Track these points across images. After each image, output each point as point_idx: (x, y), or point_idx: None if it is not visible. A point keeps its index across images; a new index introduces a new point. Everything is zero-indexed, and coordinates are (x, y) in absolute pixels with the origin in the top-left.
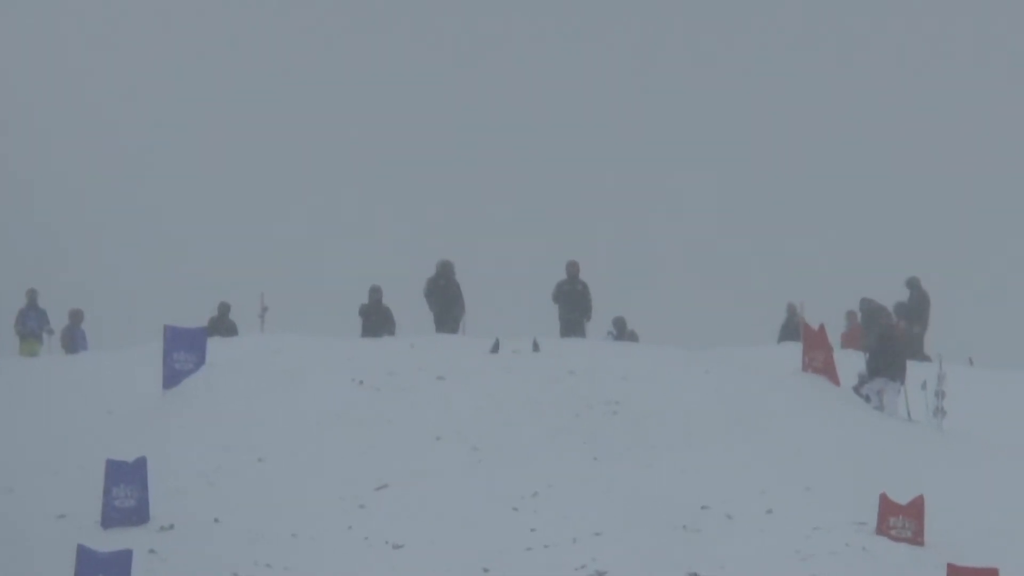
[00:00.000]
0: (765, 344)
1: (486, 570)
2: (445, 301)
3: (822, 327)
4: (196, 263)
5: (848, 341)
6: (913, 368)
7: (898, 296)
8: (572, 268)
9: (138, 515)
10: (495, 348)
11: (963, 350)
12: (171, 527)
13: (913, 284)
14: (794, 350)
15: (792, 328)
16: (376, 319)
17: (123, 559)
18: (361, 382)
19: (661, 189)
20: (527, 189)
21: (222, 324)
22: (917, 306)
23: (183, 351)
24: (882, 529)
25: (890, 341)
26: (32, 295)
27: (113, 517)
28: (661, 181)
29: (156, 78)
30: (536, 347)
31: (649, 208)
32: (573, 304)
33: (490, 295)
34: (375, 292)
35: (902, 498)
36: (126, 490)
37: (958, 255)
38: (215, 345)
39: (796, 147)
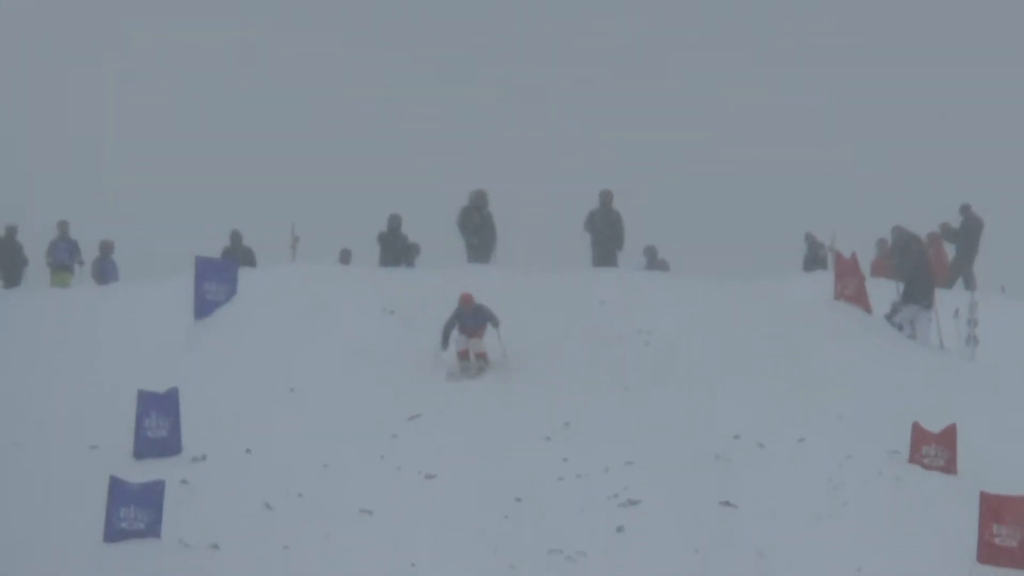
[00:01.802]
0: (795, 273)
1: (518, 499)
2: (478, 231)
3: (854, 255)
4: (227, 194)
5: (878, 270)
6: (946, 296)
7: (929, 226)
8: (605, 196)
9: (170, 446)
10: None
11: (996, 278)
12: (203, 458)
13: (966, 211)
14: (824, 279)
15: (812, 260)
16: (394, 247)
17: (155, 490)
18: (392, 312)
19: (693, 117)
20: (560, 117)
21: (236, 252)
22: (970, 231)
23: (214, 282)
24: (915, 458)
25: (922, 269)
26: (63, 226)
27: (145, 448)
28: (693, 109)
29: (189, 12)
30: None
31: (681, 135)
32: (605, 233)
33: (522, 225)
34: (394, 220)
35: (935, 427)
36: (158, 421)
37: (989, 180)
38: (246, 276)
39: (830, 75)
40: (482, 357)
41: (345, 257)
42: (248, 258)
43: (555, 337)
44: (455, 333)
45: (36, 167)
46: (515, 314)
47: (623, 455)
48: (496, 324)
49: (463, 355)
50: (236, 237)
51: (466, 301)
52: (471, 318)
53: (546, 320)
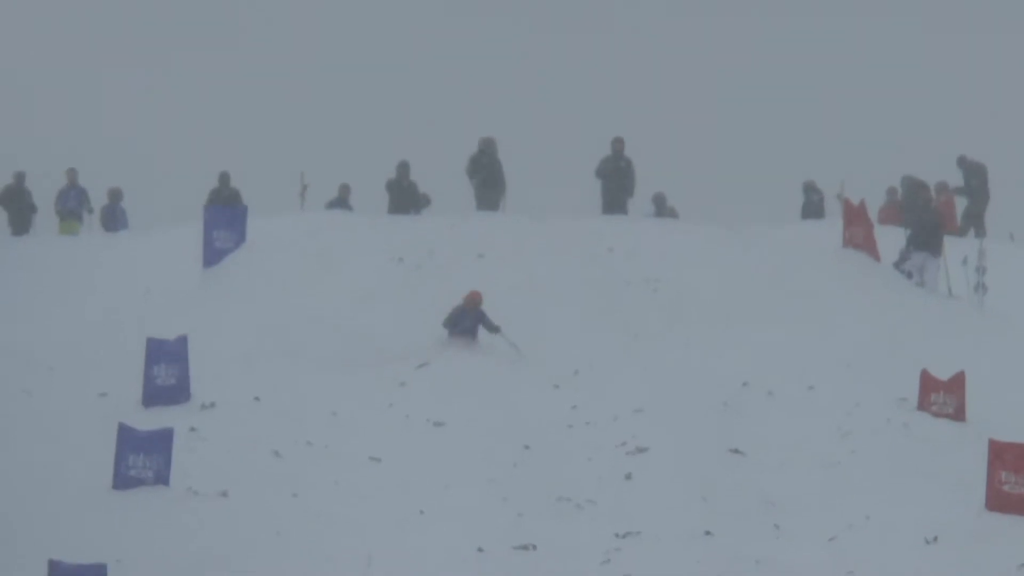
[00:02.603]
0: (805, 221)
1: (527, 447)
2: (486, 178)
3: (863, 202)
4: (236, 142)
5: (886, 217)
6: (956, 244)
7: (942, 172)
8: (617, 144)
9: (179, 394)
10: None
11: (1005, 226)
12: (212, 405)
13: (963, 162)
14: (833, 227)
15: (811, 207)
16: (403, 195)
17: (164, 437)
18: (401, 260)
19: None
20: (570, 64)
21: (223, 194)
22: (974, 181)
23: (223, 229)
24: (923, 405)
25: (931, 217)
26: (72, 174)
27: (154, 395)
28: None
29: None
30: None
31: (691, 82)
32: (616, 180)
33: (531, 172)
34: (402, 167)
35: (943, 374)
36: (167, 368)
37: (998, 127)
38: (255, 224)
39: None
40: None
41: (344, 193)
42: (235, 200)
43: (564, 284)
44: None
45: (44, 114)
46: (523, 262)
47: (632, 403)
48: (495, 330)
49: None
50: (224, 178)
51: (473, 300)
52: (469, 319)
53: (554, 267)
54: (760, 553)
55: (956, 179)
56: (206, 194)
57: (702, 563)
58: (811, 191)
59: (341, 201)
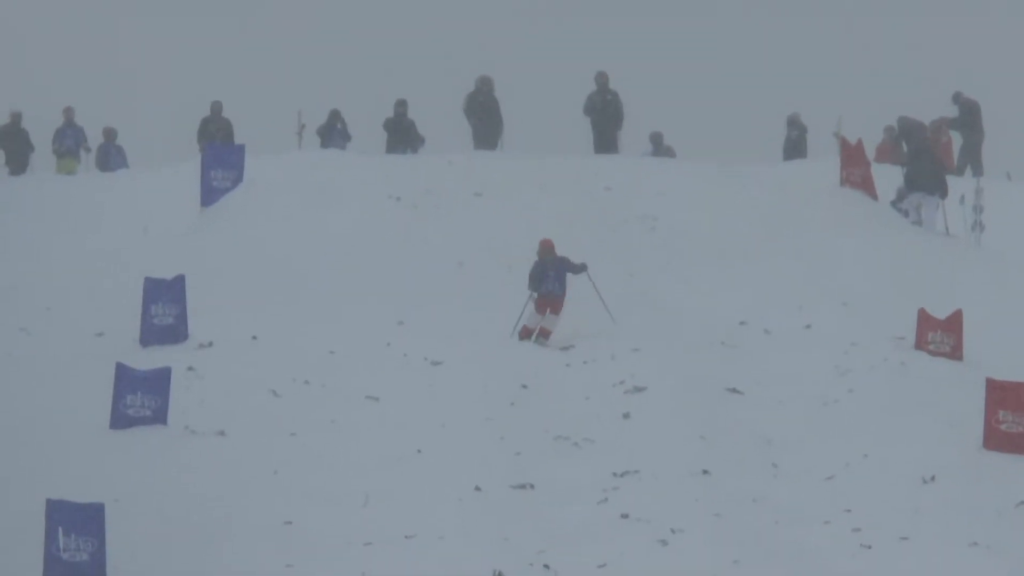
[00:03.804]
0: (801, 159)
1: (525, 386)
2: (484, 117)
3: (859, 141)
4: (234, 81)
5: (883, 155)
6: (952, 182)
7: (940, 111)
8: (601, 79)
9: (177, 333)
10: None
11: (1002, 165)
12: (210, 344)
13: (959, 98)
14: (832, 166)
15: (791, 143)
16: (401, 133)
17: (162, 376)
18: (399, 199)
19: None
20: (566, 1)
21: (215, 123)
22: (968, 118)
23: (221, 168)
24: (920, 344)
25: (928, 156)
26: (68, 113)
27: (152, 335)
28: None
29: None
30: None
31: (688, 19)
32: (604, 114)
33: (528, 111)
34: (400, 106)
35: (940, 313)
36: (164, 308)
37: (995, 66)
38: (253, 163)
39: None
40: (545, 335)
41: (334, 119)
42: (226, 130)
43: (561, 223)
44: (530, 307)
45: (40, 53)
46: (521, 200)
47: (629, 342)
48: (583, 269)
49: (525, 333)
50: (216, 107)
51: (547, 249)
52: (552, 270)
53: (552, 206)
54: (758, 491)
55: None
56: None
57: (700, 501)
58: (793, 125)
59: (330, 127)
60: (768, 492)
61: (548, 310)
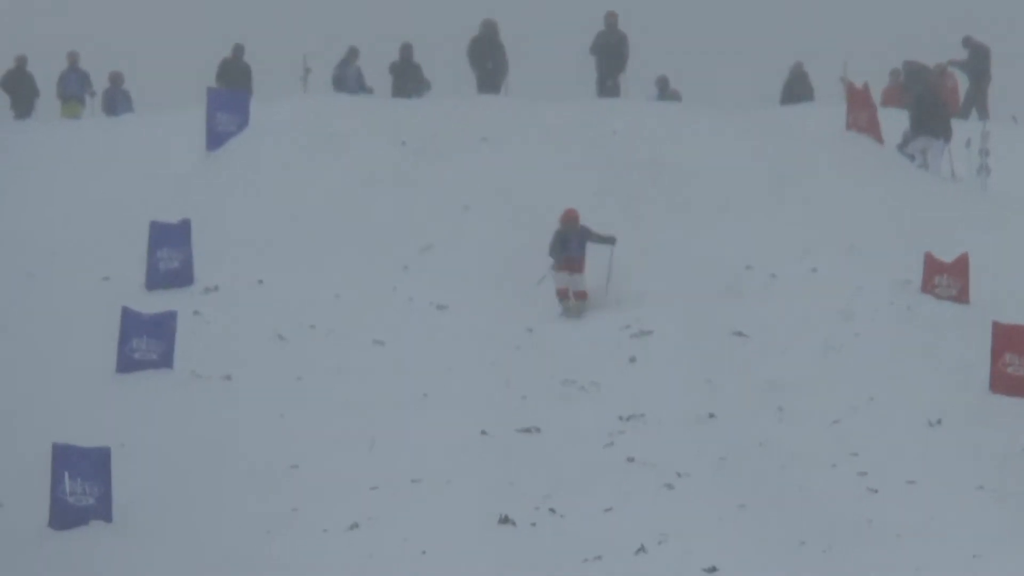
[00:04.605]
0: (807, 103)
1: (530, 330)
2: (488, 61)
3: (866, 85)
4: (239, 24)
5: (889, 99)
6: (958, 126)
7: (947, 54)
8: (610, 18)
9: (182, 277)
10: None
11: (1008, 108)
12: (215, 289)
13: (969, 42)
14: (838, 110)
15: (790, 92)
16: (406, 77)
17: (168, 320)
18: (404, 143)
19: None
20: None
21: (235, 66)
22: (977, 62)
23: (226, 113)
24: (927, 287)
25: (933, 99)
26: (73, 57)
27: (157, 279)
28: None
29: None
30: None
31: None
32: (610, 56)
33: (533, 55)
34: (406, 49)
35: (947, 256)
36: (170, 252)
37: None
38: (258, 107)
39: None
40: (582, 297)
41: (352, 56)
42: (245, 74)
43: (567, 168)
44: (554, 271)
45: None
46: (527, 145)
47: (635, 286)
48: (610, 241)
49: (562, 293)
50: (238, 50)
51: (570, 219)
52: (574, 239)
53: (558, 151)
54: (763, 435)
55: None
56: (211, 78)
57: (705, 446)
58: (798, 73)
59: (347, 63)
60: (774, 436)
61: (567, 272)
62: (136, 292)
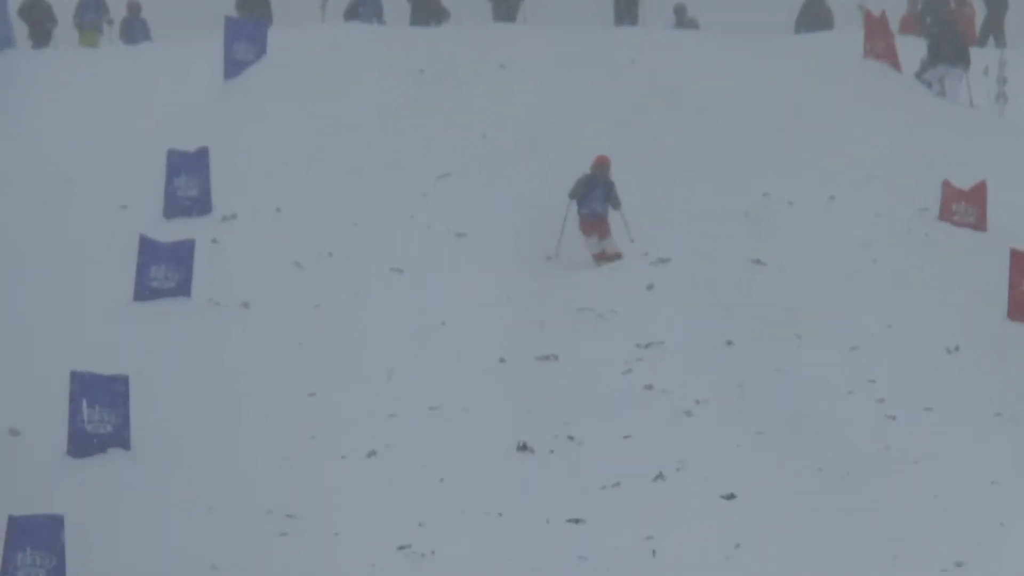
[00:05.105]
0: (824, 31)
1: (549, 258)
2: None
3: (883, 13)
4: None
5: (907, 27)
6: (976, 54)
7: None
8: None
9: (200, 205)
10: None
11: None
12: (233, 217)
13: None
14: (855, 38)
15: (805, 18)
16: (425, 6)
17: (185, 249)
18: (422, 71)
19: None
20: None
21: None
22: None
23: (244, 42)
24: (944, 215)
25: (951, 27)
26: None
27: (175, 207)
28: None
29: None
30: None
31: None
32: None
33: None
34: None
35: (964, 184)
36: (188, 180)
37: None
38: (276, 36)
39: None
40: (617, 257)
41: None
42: (263, 3)
43: (586, 97)
44: (584, 238)
45: None
46: (545, 73)
47: (653, 212)
48: (617, 206)
49: (597, 257)
50: None
51: (602, 165)
52: (600, 189)
53: (576, 80)
54: (781, 362)
55: None
56: (228, 7)
57: (723, 373)
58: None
59: None
60: (792, 363)
61: (597, 235)
62: (154, 220)
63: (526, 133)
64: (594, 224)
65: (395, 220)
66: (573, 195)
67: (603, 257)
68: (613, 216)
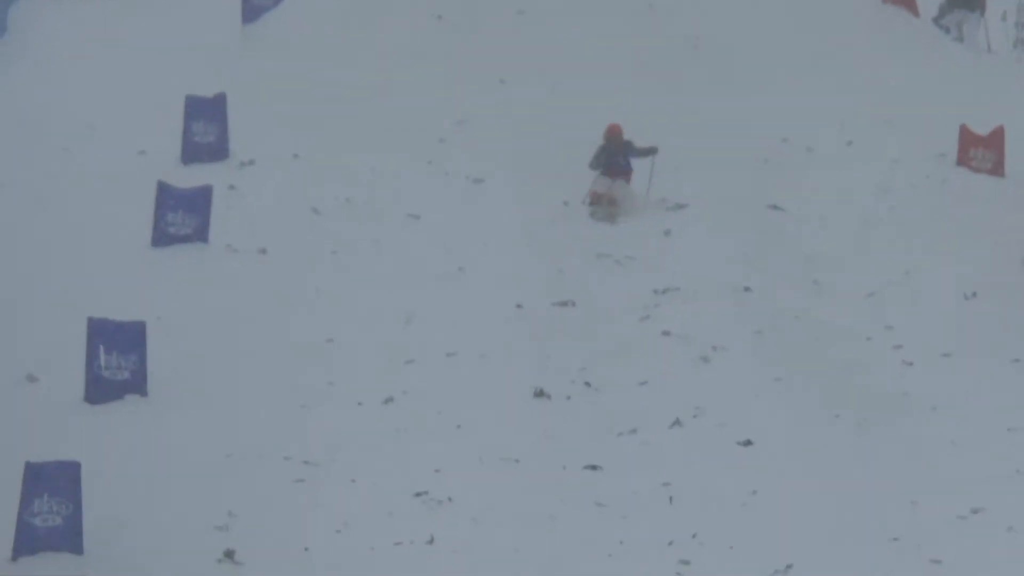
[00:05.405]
0: None
1: (566, 203)
2: None
3: None
4: None
5: None
6: None
7: None
8: None
9: (218, 151)
10: None
11: None
12: (251, 163)
13: None
14: None
15: None
16: None
17: (203, 194)
18: (440, 17)
19: None
20: None
21: None
22: None
23: None
24: (962, 160)
25: None
26: None
27: (193, 153)
28: None
29: None
30: None
31: None
32: None
33: None
34: None
35: (982, 129)
36: (206, 126)
37: None
38: None
39: None
40: (612, 204)
41: None
42: None
43: (603, 43)
44: (595, 174)
45: None
46: (564, 18)
47: (672, 159)
48: (651, 152)
49: (595, 197)
50: None
51: (614, 134)
52: (619, 155)
53: (594, 24)
54: (799, 308)
55: None
56: None
57: (741, 318)
58: None
59: None
60: (809, 309)
61: (612, 177)
62: (171, 166)
63: (544, 79)
64: (614, 173)
65: (413, 166)
66: (594, 166)
67: (598, 198)
68: (638, 165)
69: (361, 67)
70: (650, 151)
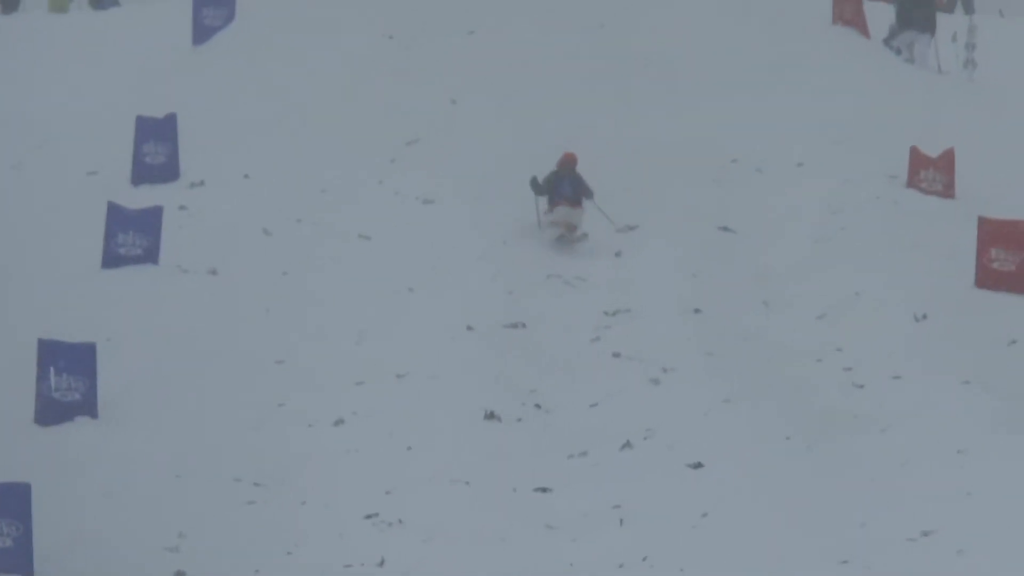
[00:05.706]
0: None
1: (516, 223)
2: None
3: None
4: None
5: None
6: (944, 20)
7: None
8: None
9: (168, 171)
10: None
11: (994, 1)
12: (201, 183)
13: None
14: (823, 3)
15: None
16: None
17: (153, 215)
18: (391, 37)
19: None
20: None
21: None
22: None
23: (212, 7)
24: (913, 182)
25: None
26: None
27: (143, 173)
28: None
29: None
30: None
31: None
32: None
33: None
34: None
35: (933, 151)
36: (156, 146)
37: None
38: (244, 1)
39: None
40: (570, 229)
41: None
42: None
43: (554, 61)
44: (546, 205)
45: None
46: (514, 38)
47: (621, 181)
48: (590, 196)
49: (567, 227)
50: None
51: (568, 162)
52: (567, 184)
53: (545, 43)
54: (749, 329)
55: None
56: None
57: (692, 339)
58: None
59: None
60: (760, 330)
61: (571, 206)
62: (122, 186)
63: (495, 99)
64: (567, 200)
65: (363, 186)
66: (540, 192)
67: (565, 225)
68: (588, 206)
69: (312, 87)
70: (591, 193)
